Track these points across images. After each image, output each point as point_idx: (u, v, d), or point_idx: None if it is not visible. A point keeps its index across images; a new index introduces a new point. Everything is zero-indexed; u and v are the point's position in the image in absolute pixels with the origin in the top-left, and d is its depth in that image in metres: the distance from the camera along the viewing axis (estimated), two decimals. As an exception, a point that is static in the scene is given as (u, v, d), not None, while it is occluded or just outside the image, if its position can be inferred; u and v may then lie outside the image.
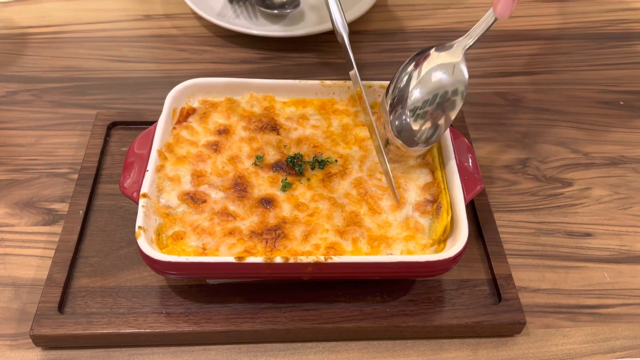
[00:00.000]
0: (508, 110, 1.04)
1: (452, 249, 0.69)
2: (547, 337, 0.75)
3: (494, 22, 0.73)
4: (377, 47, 1.14)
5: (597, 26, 1.22)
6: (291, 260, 0.68)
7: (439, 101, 0.73)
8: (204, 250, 0.71)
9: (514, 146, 0.98)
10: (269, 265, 0.68)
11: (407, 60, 0.76)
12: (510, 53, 1.15)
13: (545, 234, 0.86)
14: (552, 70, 1.12)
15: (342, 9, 0.88)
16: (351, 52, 0.83)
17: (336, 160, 0.81)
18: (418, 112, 0.74)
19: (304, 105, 0.89)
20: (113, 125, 0.94)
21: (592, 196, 0.91)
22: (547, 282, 0.81)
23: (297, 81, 0.88)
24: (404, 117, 0.75)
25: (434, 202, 0.77)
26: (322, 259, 0.68)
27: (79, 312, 0.73)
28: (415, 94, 0.74)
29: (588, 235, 0.86)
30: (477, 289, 0.77)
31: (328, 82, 0.88)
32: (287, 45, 1.13)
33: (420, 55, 0.76)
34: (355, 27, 1.16)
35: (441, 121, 0.74)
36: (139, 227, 0.69)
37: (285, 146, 0.83)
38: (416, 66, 0.75)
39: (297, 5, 1.16)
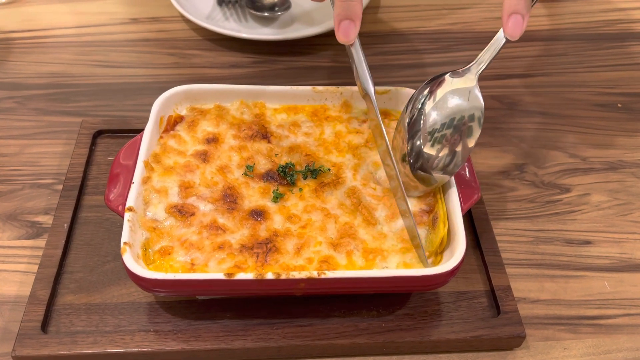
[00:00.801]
0: (504, 114, 1.02)
1: (450, 262, 0.67)
2: (547, 350, 0.73)
3: (504, 45, 0.70)
4: (371, 49, 1.12)
5: (592, 27, 1.19)
6: (283, 276, 0.65)
7: (457, 124, 0.71)
8: (192, 266, 0.69)
9: (510, 151, 0.96)
10: (260, 282, 0.65)
11: (422, 85, 0.73)
12: (506, 55, 1.13)
13: (544, 242, 0.84)
14: (548, 73, 1.10)
15: (366, 62, 0.77)
16: (377, 107, 0.75)
17: (329, 169, 0.78)
18: (436, 135, 0.71)
19: (295, 111, 0.86)
20: (99, 134, 0.91)
21: (591, 202, 0.89)
22: (546, 292, 0.79)
23: (288, 87, 0.86)
24: (422, 142, 0.72)
25: (429, 213, 0.74)
26: (315, 274, 0.66)
27: (64, 331, 0.70)
28: (433, 118, 0.71)
29: (587, 243, 0.84)
30: (475, 301, 0.75)
31: (320, 87, 0.86)
32: (278, 49, 1.11)
33: (435, 81, 0.73)
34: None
35: (460, 148, 0.71)
36: (125, 243, 0.67)
37: (276, 155, 0.80)
38: (432, 91, 0.72)
39: (287, 7, 1.13)
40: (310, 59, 1.10)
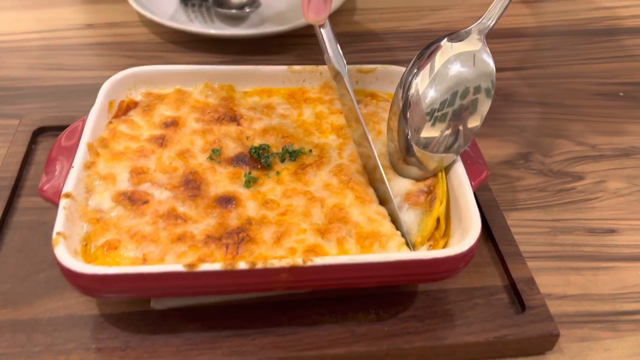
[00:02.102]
0: (500, 105, 0.93)
1: (464, 242, 0.55)
2: (585, 352, 0.60)
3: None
4: (348, 48, 1.03)
5: (580, 24, 1.14)
6: (259, 266, 0.52)
7: (461, 99, 0.60)
8: (144, 262, 0.55)
9: (512, 141, 0.86)
10: (231, 274, 0.52)
11: (416, 57, 0.63)
12: (495, 50, 1.05)
13: (562, 232, 0.72)
14: (542, 65, 1.02)
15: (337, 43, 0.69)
16: (350, 87, 0.66)
17: (310, 151, 0.66)
18: (436, 114, 0.61)
19: (269, 94, 0.75)
20: (40, 132, 0.78)
21: (609, 189, 0.78)
22: (573, 286, 0.66)
23: (260, 67, 0.75)
24: (420, 123, 0.61)
25: (428, 193, 0.63)
26: (299, 261, 0.52)
27: (-21, 355, 0.55)
28: (431, 95, 0.61)
29: (612, 231, 0.73)
30: (493, 297, 0.62)
31: (297, 67, 0.75)
32: (248, 48, 1.01)
33: (430, 48, 0.62)
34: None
35: (465, 125, 0.61)
36: (58, 233, 0.53)
37: (247, 138, 0.68)
38: (428, 61, 0.61)
39: (257, 6, 1.04)
40: (283, 58, 1.00)
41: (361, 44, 1.05)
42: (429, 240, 0.59)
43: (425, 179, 0.64)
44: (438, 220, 0.60)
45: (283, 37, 1.01)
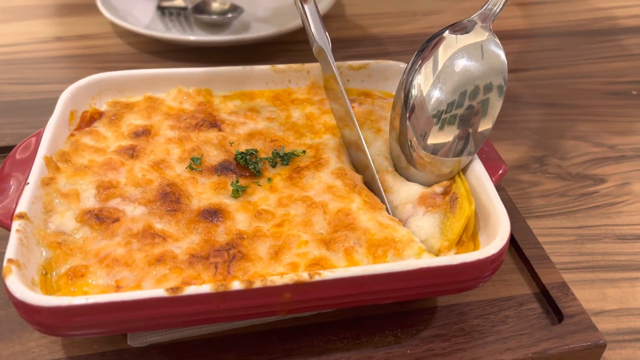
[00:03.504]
0: (507, 107, 0.86)
1: (494, 242, 0.47)
2: (634, 370, 0.53)
3: None
4: (338, 54, 0.96)
5: (580, 24, 1.10)
6: (257, 285, 0.43)
7: (470, 100, 0.53)
8: (117, 289, 0.46)
9: (523, 144, 0.80)
10: (223, 297, 0.43)
11: (416, 53, 0.56)
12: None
13: (589, 240, 0.65)
14: (544, 67, 0.97)
15: (321, 19, 0.63)
16: (334, 65, 0.61)
17: (304, 152, 0.58)
18: (444, 117, 0.54)
19: (251, 97, 0.67)
20: (-3, 152, 0.69)
21: (635, 192, 0.72)
22: (610, 300, 0.59)
23: (240, 67, 0.67)
24: (426, 127, 0.54)
25: (444, 195, 0.55)
26: (305, 276, 0.44)
27: None
28: (436, 96, 0.54)
29: (644, 237, 0.66)
30: (524, 308, 0.54)
31: (281, 66, 0.68)
32: (230, 57, 0.93)
33: (432, 42, 0.55)
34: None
35: (476, 128, 0.54)
36: (9, 261, 0.44)
37: (231, 144, 0.60)
38: (431, 57, 0.55)
39: (240, 12, 0.96)
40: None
41: (353, 49, 0.99)
42: (457, 244, 0.51)
43: (438, 182, 0.56)
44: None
45: (268, 45, 0.94)
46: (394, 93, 0.69)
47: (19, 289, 0.42)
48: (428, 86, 0.54)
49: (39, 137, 0.56)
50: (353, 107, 0.63)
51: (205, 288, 0.43)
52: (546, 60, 0.98)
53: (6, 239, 0.49)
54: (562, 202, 0.70)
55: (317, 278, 0.44)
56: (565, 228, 0.67)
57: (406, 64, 0.68)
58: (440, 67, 0.54)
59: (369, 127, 0.62)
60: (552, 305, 0.54)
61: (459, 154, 0.55)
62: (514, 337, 0.51)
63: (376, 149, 0.59)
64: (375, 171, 0.56)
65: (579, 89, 0.91)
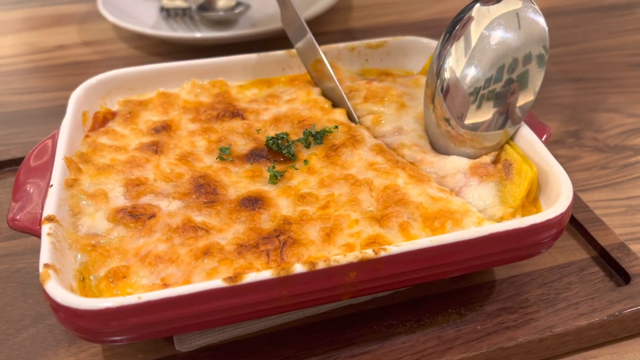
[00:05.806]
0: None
1: (559, 202, 0.45)
2: None
3: None
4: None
5: (595, 0, 1.09)
6: (321, 266, 0.40)
7: (508, 74, 0.50)
8: (165, 287, 0.42)
9: (555, 119, 0.78)
10: (286, 282, 0.39)
11: (445, 30, 0.53)
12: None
13: None
14: (567, 43, 0.96)
15: None
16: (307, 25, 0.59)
17: (336, 127, 0.55)
18: (482, 93, 0.51)
19: (268, 84, 0.64)
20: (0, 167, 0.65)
21: None
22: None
23: (255, 55, 0.64)
24: (463, 108, 0.52)
25: (495, 162, 0.52)
26: (370, 253, 0.41)
27: None
28: (472, 73, 0.51)
29: (698, 203, 0.64)
30: (586, 272, 0.52)
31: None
32: (239, 54, 0.90)
33: (461, 18, 0.52)
34: (317, 29, 0.94)
35: (515, 103, 0.51)
36: (46, 265, 0.40)
37: (258, 130, 0.57)
38: (462, 33, 0.52)
39: (247, 7, 0.93)
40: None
41: (363, 40, 0.97)
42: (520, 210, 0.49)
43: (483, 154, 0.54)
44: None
45: (276, 40, 0.90)
46: (415, 71, 0.67)
47: (61, 293, 0.38)
48: (462, 64, 0.51)
49: (54, 139, 0.52)
50: (372, 84, 0.61)
51: (266, 274, 0.39)
52: (566, 37, 0.98)
53: (23, 253, 0.45)
54: (605, 174, 0.68)
55: (382, 254, 0.41)
56: (613, 200, 0.64)
57: (428, 40, 0.66)
58: (473, 42, 0.51)
59: (389, 101, 0.59)
60: (614, 266, 0.52)
61: (500, 127, 0.52)
62: (585, 302, 0.48)
63: (409, 127, 0.56)
64: (337, 82, 0.57)
65: (603, 63, 0.90)
